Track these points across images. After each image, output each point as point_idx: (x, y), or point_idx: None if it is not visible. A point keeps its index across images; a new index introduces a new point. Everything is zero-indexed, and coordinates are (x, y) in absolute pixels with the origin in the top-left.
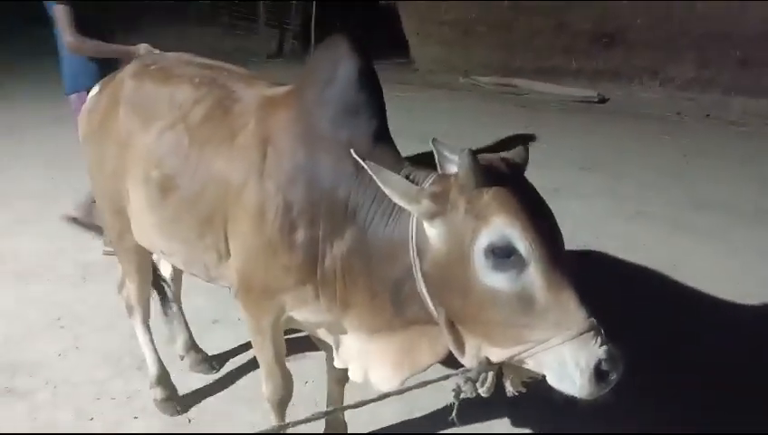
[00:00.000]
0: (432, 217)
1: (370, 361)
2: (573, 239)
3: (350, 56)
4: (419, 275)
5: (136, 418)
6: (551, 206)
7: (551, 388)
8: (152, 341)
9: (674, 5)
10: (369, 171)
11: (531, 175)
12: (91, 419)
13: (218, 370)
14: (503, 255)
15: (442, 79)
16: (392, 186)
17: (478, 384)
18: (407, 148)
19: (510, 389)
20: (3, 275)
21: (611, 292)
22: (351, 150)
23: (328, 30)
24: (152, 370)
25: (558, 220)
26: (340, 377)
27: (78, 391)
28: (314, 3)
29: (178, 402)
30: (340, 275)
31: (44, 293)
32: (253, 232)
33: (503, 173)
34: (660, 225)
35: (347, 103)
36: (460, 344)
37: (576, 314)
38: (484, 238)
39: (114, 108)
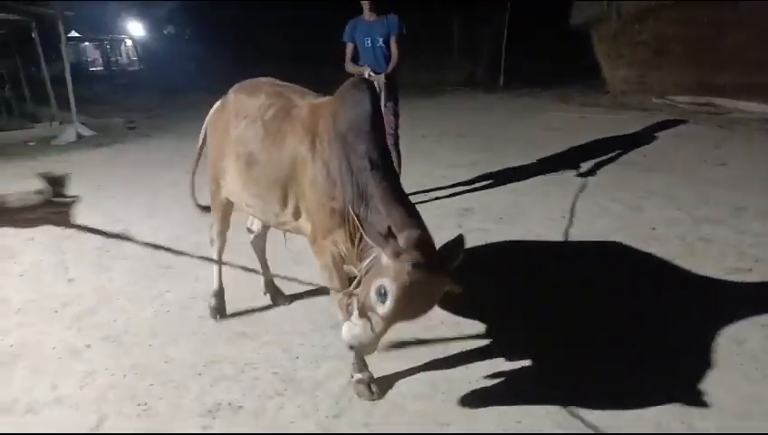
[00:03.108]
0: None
1: None
2: (745, 255)
3: (368, 99)
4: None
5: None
6: (730, 226)
7: None
8: (221, 267)
9: None
10: (363, 233)
11: (713, 196)
12: (297, 357)
13: (289, 303)
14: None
15: (634, 100)
16: (373, 241)
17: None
18: (572, 162)
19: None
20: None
21: None
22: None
23: (517, 59)
24: (215, 284)
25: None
26: None
27: (288, 338)
28: (506, 33)
29: (222, 314)
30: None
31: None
32: (310, 190)
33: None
34: None
35: (362, 127)
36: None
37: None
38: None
39: (222, 111)
